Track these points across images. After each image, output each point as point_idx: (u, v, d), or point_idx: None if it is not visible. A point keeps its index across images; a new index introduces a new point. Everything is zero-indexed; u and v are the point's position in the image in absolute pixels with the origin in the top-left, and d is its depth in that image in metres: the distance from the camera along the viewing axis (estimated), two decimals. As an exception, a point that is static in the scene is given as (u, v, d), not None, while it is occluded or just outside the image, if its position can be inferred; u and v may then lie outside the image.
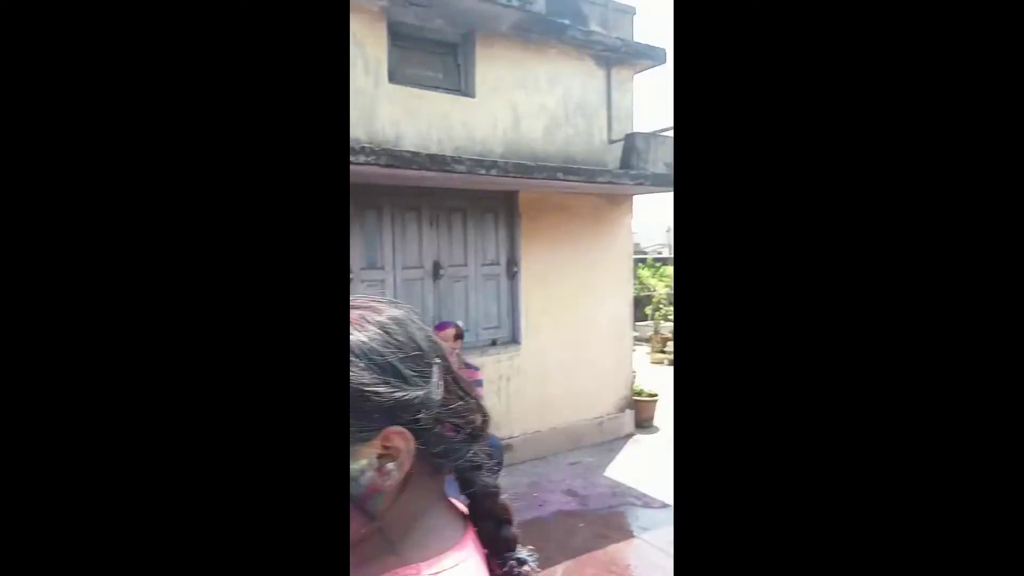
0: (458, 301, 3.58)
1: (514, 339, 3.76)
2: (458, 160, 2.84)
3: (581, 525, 2.80)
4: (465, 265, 3.58)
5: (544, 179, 3.08)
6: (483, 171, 2.88)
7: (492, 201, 3.60)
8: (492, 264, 3.67)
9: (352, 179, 3.07)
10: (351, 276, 3.20)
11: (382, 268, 3.33)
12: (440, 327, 3.06)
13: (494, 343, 3.69)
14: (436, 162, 2.78)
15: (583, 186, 3.45)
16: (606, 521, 2.82)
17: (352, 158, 2.58)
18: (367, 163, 2.63)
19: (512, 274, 3.72)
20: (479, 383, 3.14)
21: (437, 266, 3.47)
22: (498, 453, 3.01)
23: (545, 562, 2.45)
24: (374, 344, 0.55)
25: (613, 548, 2.55)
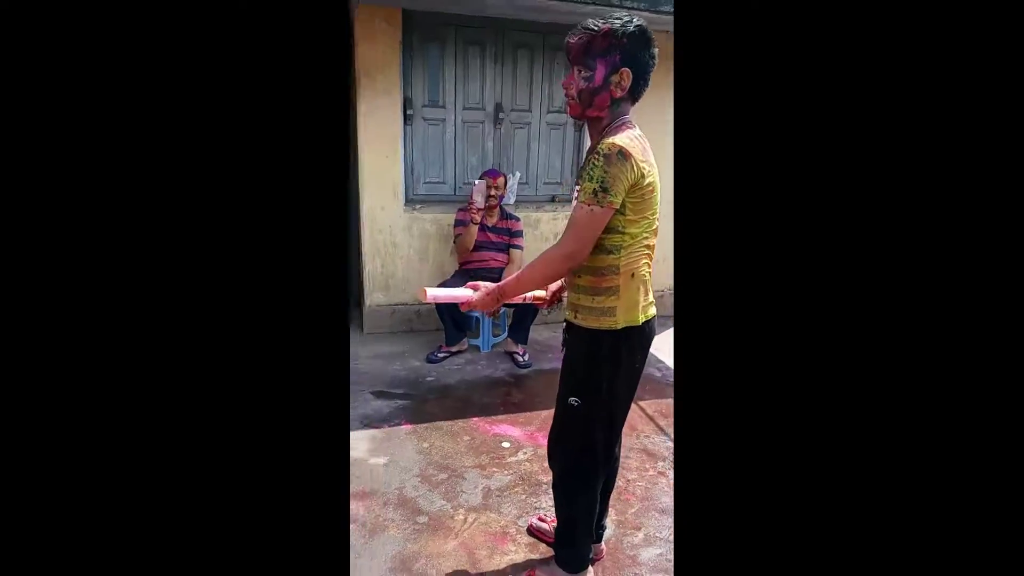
0: (519, 150, 3.44)
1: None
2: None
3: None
4: (529, 111, 3.39)
5: (594, 5, 2.70)
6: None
7: (561, 37, 3.28)
8: (558, 112, 3.44)
9: (412, 6, 2.90)
10: (411, 112, 3.15)
11: (443, 107, 3.24)
12: (491, 174, 2.99)
13: (553, 199, 3.58)
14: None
15: (661, 19, 3.01)
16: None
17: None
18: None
19: (580, 125, 3.48)
20: (519, 234, 3.10)
21: (499, 109, 3.31)
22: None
23: (530, 406, 2.52)
24: None
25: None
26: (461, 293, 1.33)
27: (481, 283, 1.34)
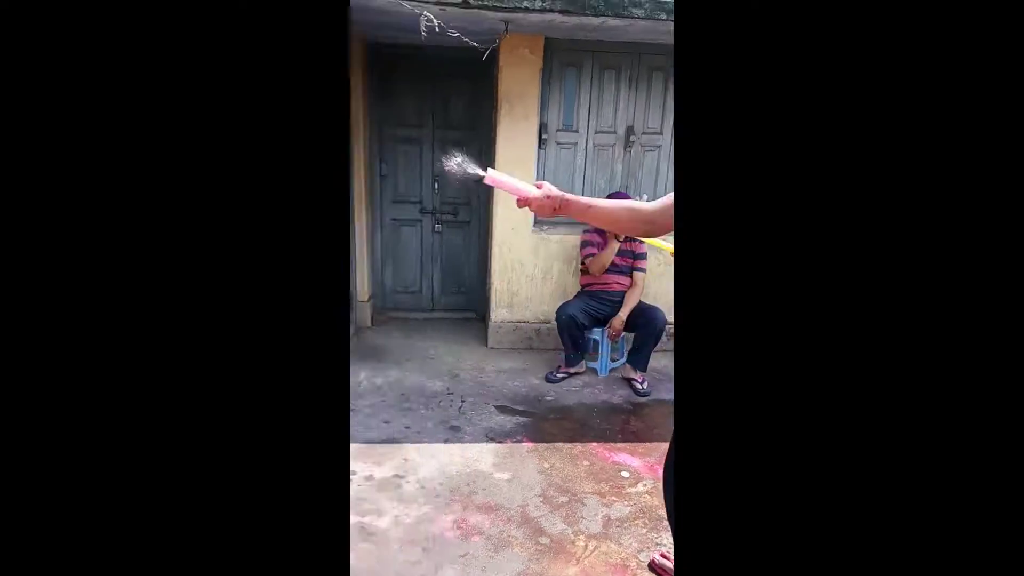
0: (648, 172, 3.41)
1: (705, 221, 3.50)
2: (636, 3, 2.56)
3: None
4: (660, 133, 3.35)
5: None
6: (664, 15, 2.55)
7: (703, 62, 3.21)
8: (692, 136, 3.36)
9: (550, 34, 3.00)
10: (546, 137, 3.25)
11: (576, 131, 3.31)
12: (617, 196, 3.00)
13: (681, 223, 3.50)
14: (611, 6, 2.55)
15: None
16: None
17: (528, 3, 2.51)
18: (543, 8, 2.53)
19: (714, 149, 3.38)
20: (643, 256, 3.06)
21: (630, 131, 3.31)
22: (661, 321, 2.98)
23: (648, 437, 2.49)
24: None
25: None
26: (523, 186, 1.33)
27: (546, 183, 1.32)
